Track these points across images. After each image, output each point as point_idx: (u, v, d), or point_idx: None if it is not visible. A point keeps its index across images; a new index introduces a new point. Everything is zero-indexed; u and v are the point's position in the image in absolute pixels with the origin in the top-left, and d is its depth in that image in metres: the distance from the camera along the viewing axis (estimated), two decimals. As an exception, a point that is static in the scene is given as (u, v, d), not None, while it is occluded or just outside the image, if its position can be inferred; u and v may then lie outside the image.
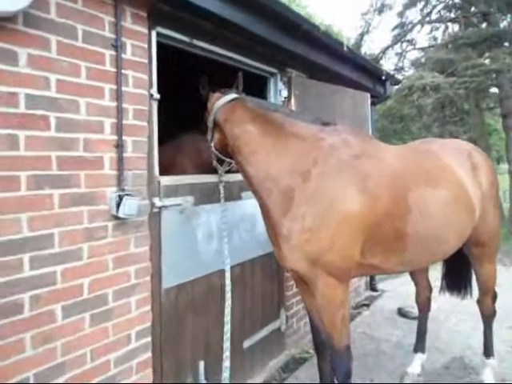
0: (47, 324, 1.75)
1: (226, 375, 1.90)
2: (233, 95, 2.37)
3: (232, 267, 2.79)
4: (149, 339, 2.20)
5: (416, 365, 3.03)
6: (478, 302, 3.03)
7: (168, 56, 3.69)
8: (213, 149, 2.42)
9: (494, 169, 2.88)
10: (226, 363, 1.94)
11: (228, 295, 2.21)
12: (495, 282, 2.94)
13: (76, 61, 1.87)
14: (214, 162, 2.52)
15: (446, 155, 2.52)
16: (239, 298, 2.90)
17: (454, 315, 4.23)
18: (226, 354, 1.99)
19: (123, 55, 2.08)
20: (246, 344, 2.96)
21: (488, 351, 2.96)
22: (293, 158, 2.12)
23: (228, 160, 2.46)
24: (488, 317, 3.01)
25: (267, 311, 3.21)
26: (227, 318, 2.13)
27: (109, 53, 2.01)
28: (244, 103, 2.32)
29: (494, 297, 3.01)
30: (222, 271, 2.67)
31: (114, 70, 2.03)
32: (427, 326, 3.19)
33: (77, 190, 1.87)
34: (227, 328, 2.09)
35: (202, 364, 2.55)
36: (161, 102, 2.42)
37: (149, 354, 2.20)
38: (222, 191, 2.51)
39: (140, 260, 2.17)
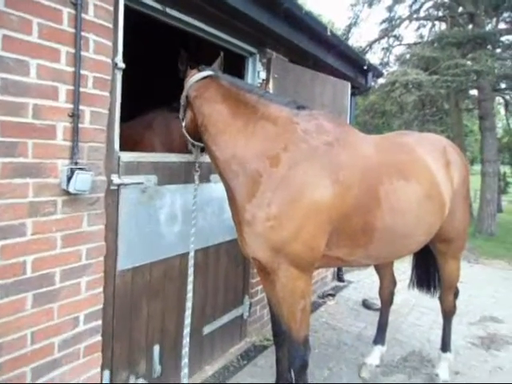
0: (-19, 303, 1.61)
1: (185, 361, 1.85)
2: (207, 72, 2.25)
3: (195, 251, 2.71)
4: (99, 322, 2.09)
5: (375, 356, 3.05)
6: (440, 297, 3.06)
7: (146, 29, 3.50)
8: (184, 130, 2.30)
9: (468, 166, 2.87)
10: (186, 349, 1.88)
11: (190, 278, 2.13)
12: (458, 278, 2.96)
13: (27, 15, 1.68)
14: (189, 146, 2.40)
15: (422, 149, 2.47)
16: (202, 283, 2.81)
17: (417, 309, 4.31)
18: (186, 339, 1.93)
19: (84, 15, 1.89)
20: (207, 330, 2.89)
21: (445, 346, 3.01)
22: (262, 142, 2.02)
23: (198, 144, 2.34)
24: (448, 313, 3.04)
25: (230, 298, 3.14)
26: (189, 303, 2.06)
27: (67, 10, 1.82)
28: (218, 81, 2.20)
29: (456, 293, 3.05)
30: (183, 255, 2.60)
31: (72, 30, 1.85)
32: (388, 319, 3.21)
33: (22, 160, 1.71)
34: (188, 313, 2.02)
35: (156, 348, 2.47)
36: (133, 76, 2.26)
37: (98, 338, 2.09)
38: (196, 178, 2.39)
39: (93, 239, 2.03)
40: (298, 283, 1.97)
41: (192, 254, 2.26)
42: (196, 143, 2.34)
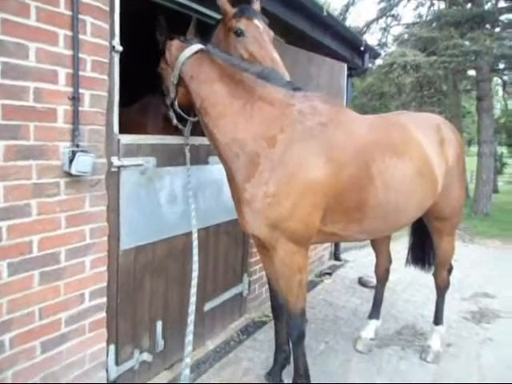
0: (-9, 280, 1.69)
1: (189, 339, 1.85)
2: (198, 46, 2.20)
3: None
4: (104, 299, 2.17)
5: (370, 330, 3.16)
6: (434, 273, 3.16)
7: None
8: (176, 107, 2.30)
9: (462, 143, 2.91)
10: (191, 327, 1.87)
11: (195, 258, 2.08)
12: (452, 255, 3.05)
13: (24, -1, 1.70)
14: (175, 121, 2.39)
15: (415, 127, 2.52)
16: (202, 262, 2.87)
17: (411, 287, 4.43)
18: (191, 317, 1.93)
19: (80, -2, 1.91)
20: (207, 306, 3.00)
21: (438, 319, 3.12)
22: (260, 123, 2.07)
23: (191, 119, 2.37)
24: (442, 288, 3.14)
25: (230, 276, 3.24)
26: (194, 281, 2.00)
27: (63, -7, 1.84)
28: (211, 57, 2.18)
29: (450, 269, 3.14)
30: (184, 235, 2.67)
31: (69, 13, 1.87)
32: (383, 295, 3.32)
33: (25, 143, 1.75)
34: (193, 292, 1.98)
35: (159, 324, 2.57)
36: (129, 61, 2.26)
37: (103, 314, 2.18)
38: (187, 154, 2.43)
39: (96, 220, 2.09)
40: (295, 257, 2.06)
41: (195, 235, 2.19)
42: (190, 119, 2.37)
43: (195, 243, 2.14)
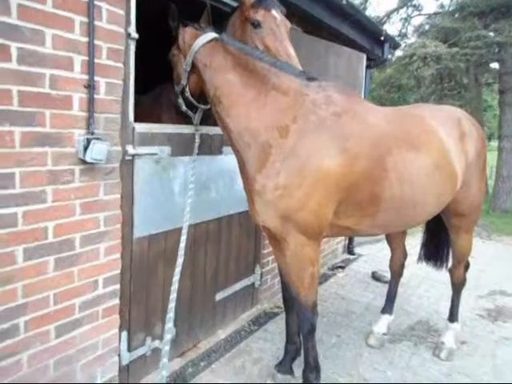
0: (6, 265, 1.71)
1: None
2: (212, 34, 2.18)
3: (208, 222, 2.80)
4: (117, 286, 2.20)
5: (382, 324, 3.13)
6: (450, 270, 3.09)
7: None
8: (188, 94, 2.31)
9: (484, 138, 2.82)
10: (169, 324, 1.80)
11: (180, 258, 2.01)
12: (470, 252, 2.98)
13: (40, -15, 1.69)
14: (184, 108, 2.40)
15: (434, 121, 2.44)
16: (214, 252, 2.90)
17: (426, 282, 4.36)
18: (170, 315, 1.85)
19: (96, -16, 1.90)
20: (219, 296, 3.00)
21: (452, 316, 3.06)
22: (273, 113, 2.03)
23: (202, 107, 2.37)
24: (458, 285, 3.08)
25: (242, 267, 3.24)
26: (176, 278, 1.95)
27: (79, -21, 1.83)
28: (225, 46, 2.15)
29: (467, 266, 3.07)
30: (197, 225, 2.67)
31: (85, -1, 1.86)
32: (397, 290, 3.27)
33: (41, 130, 1.76)
34: (174, 288, 1.93)
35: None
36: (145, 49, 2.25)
37: (116, 301, 2.20)
38: (197, 141, 2.43)
39: (110, 207, 2.11)
40: (306, 250, 2.03)
41: (185, 230, 2.12)
42: (201, 106, 2.38)
43: (182, 244, 2.05)
